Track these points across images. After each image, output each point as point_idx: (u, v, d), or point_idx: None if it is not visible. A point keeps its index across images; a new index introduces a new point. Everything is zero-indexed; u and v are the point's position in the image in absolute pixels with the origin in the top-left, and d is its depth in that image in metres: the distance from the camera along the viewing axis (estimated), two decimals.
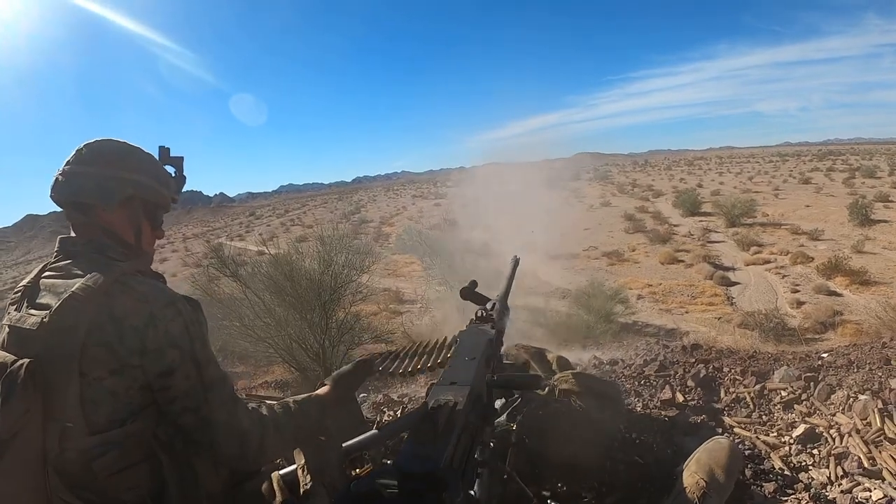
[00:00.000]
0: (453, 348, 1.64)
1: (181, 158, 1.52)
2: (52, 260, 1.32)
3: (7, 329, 1.23)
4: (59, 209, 1.38)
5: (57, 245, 1.33)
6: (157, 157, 1.47)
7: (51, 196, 1.35)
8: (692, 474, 1.68)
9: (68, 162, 1.33)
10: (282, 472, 1.53)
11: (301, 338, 10.33)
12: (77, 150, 1.34)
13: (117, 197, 1.33)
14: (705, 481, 1.63)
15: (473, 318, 1.81)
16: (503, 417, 1.96)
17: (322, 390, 1.59)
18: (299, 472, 1.49)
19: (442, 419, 1.08)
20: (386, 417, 2.97)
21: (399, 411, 3.08)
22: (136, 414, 1.19)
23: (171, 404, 1.22)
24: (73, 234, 1.35)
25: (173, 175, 1.51)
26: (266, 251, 12.39)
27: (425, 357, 1.68)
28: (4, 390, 1.12)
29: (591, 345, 7.46)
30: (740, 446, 2.17)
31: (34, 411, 1.11)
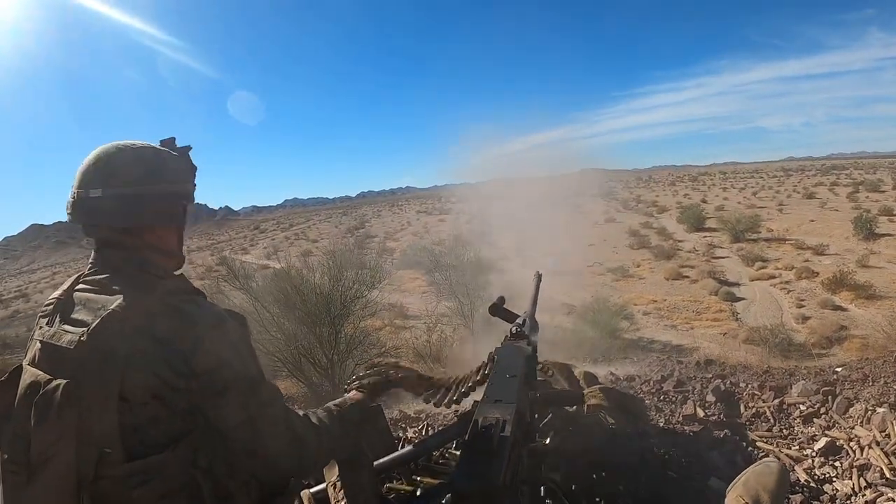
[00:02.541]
0: (489, 365, 1.68)
1: (188, 148, 1.37)
2: (87, 272, 1.23)
3: (39, 345, 1.15)
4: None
5: (92, 256, 1.24)
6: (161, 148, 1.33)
7: (81, 221, 1.23)
8: (737, 497, 1.63)
9: (95, 184, 1.19)
10: (312, 490, 1.54)
11: (310, 352, 10.35)
12: (101, 171, 1.20)
13: (166, 216, 1.28)
14: None
15: (508, 335, 1.86)
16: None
17: (353, 394, 1.60)
18: (330, 489, 1.49)
19: (496, 438, 1.08)
20: (410, 434, 2.99)
21: (423, 429, 3.10)
22: (178, 440, 1.13)
23: (227, 421, 1.17)
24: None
25: None
26: (277, 264, 12.47)
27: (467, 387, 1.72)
28: (38, 412, 1.06)
29: (601, 360, 7.46)
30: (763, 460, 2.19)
31: (69, 435, 1.05)
